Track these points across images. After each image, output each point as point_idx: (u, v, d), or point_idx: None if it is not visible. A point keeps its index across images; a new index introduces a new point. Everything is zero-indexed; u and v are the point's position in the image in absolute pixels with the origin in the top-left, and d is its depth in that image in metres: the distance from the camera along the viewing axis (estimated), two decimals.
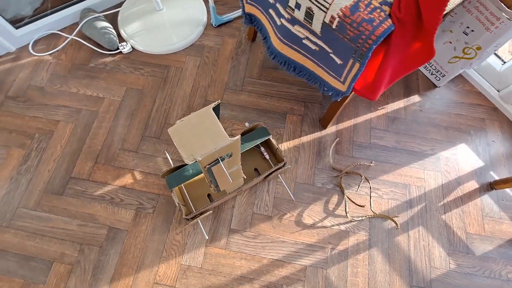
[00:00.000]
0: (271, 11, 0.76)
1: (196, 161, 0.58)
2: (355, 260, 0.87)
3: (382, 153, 1.01)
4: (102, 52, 1.15)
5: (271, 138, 0.89)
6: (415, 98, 1.11)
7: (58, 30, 1.19)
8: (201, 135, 0.54)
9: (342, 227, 0.90)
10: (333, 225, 0.90)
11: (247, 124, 0.93)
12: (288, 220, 0.91)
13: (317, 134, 1.03)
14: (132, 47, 1.15)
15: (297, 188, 0.95)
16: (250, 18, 0.89)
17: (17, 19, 1.13)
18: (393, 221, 0.88)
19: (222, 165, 0.59)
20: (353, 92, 0.75)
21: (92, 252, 0.86)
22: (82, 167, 0.97)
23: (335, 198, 0.94)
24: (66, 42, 1.17)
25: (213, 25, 1.20)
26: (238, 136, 0.55)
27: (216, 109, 0.61)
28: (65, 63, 1.14)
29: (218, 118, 0.62)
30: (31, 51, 1.16)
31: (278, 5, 0.71)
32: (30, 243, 0.87)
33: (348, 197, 0.93)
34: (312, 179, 0.96)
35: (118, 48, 1.14)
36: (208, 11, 1.23)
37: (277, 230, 0.89)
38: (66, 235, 0.88)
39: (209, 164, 0.58)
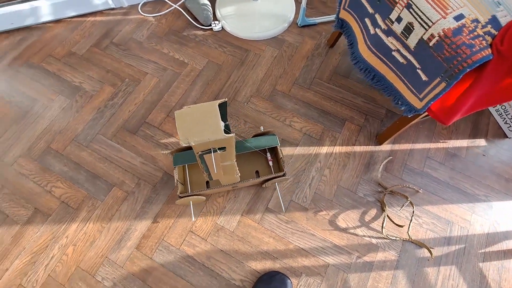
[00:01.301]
0: (367, 20, 0.81)
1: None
2: (378, 275, 0.87)
3: (433, 184, 1.00)
4: (196, 25, 1.29)
5: (278, 148, 0.92)
6: (481, 142, 1.08)
7: None
8: (201, 124, 0.58)
9: (373, 241, 0.91)
10: (364, 236, 0.92)
11: (262, 128, 0.96)
12: (322, 217, 0.94)
13: (371, 148, 1.05)
14: (222, 26, 1.28)
15: (338, 191, 0.98)
16: (341, 23, 0.95)
17: None
18: (429, 250, 0.87)
19: (213, 155, 0.63)
20: (426, 113, 0.77)
21: (146, 188, 0.98)
22: (156, 116, 1.10)
23: (373, 212, 0.95)
24: (169, 9, 1.34)
25: (298, 24, 1.29)
26: (233, 134, 0.58)
27: (223, 106, 0.66)
28: (163, 26, 1.30)
29: (226, 114, 0.70)
30: (139, 10, 1.34)
31: (377, 15, 0.76)
32: (100, 165, 1.01)
33: (388, 215, 0.93)
34: (355, 188, 0.98)
35: (210, 25, 1.28)
36: (297, 11, 1.32)
37: (310, 223, 0.93)
38: (129, 167, 1.01)
39: (202, 152, 0.62)
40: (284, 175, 0.91)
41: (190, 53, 1.23)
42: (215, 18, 1.30)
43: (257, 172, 0.97)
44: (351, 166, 1.02)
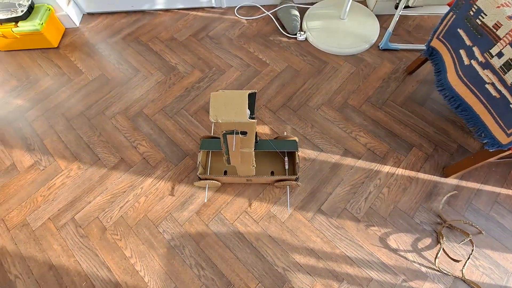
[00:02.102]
0: (462, 51, 0.83)
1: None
2: None
3: (497, 230, 0.94)
4: (282, 32, 1.42)
5: (296, 153, 0.97)
6: None
7: (259, 5, 1.52)
8: (230, 107, 0.65)
9: (423, 269, 0.89)
10: (414, 262, 0.90)
11: (285, 133, 1.01)
12: (373, 232, 0.95)
13: (436, 178, 1.03)
14: (306, 37, 1.38)
15: (394, 212, 0.98)
16: (431, 51, 0.98)
17: None
18: None
19: (234, 137, 0.71)
20: (507, 152, 0.76)
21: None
22: None
23: (427, 240, 0.93)
24: (261, 15, 1.48)
25: (380, 47, 1.33)
26: (254, 120, 0.65)
27: (252, 97, 0.72)
28: (253, 29, 1.44)
29: (253, 105, 0.76)
30: (235, 12, 1.51)
31: (475, 48, 0.78)
32: (179, 135, 1.16)
33: (443, 248, 0.91)
34: (413, 213, 0.97)
35: (295, 34, 1.39)
36: (380, 35, 1.37)
37: (360, 235, 0.95)
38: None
39: (226, 131, 0.69)
40: (296, 179, 0.95)
41: (272, 56, 1.35)
42: (301, 29, 1.41)
43: (272, 172, 1.04)
44: (412, 191, 1.01)
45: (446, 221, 0.95)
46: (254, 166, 0.88)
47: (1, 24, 1.32)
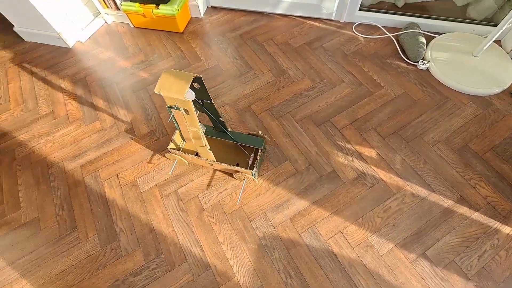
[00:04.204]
0: None
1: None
2: None
3: None
4: (401, 57, 1.36)
5: (260, 150, 1.04)
6: None
7: (381, 25, 1.48)
8: (174, 85, 0.73)
9: None
10: None
11: (260, 132, 1.10)
12: None
13: None
14: (428, 67, 1.30)
15: (511, 280, 0.86)
16: None
17: (363, 6, 1.49)
18: None
19: (174, 111, 0.80)
20: None
21: (313, 174, 1.08)
22: (340, 120, 1.20)
23: None
24: (380, 36, 1.44)
25: None
26: (190, 100, 0.74)
27: (200, 80, 0.80)
28: (370, 48, 1.41)
29: (203, 86, 0.82)
30: (353, 28, 1.50)
31: None
32: (282, 138, 1.17)
33: None
34: None
35: (417, 62, 1.32)
36: None
37: None
38: (304, 151, 1.13)
39: (170, 106, 0.79)
40: (253, 175, 1.02)
41: (388, 79, 1.30)
42: (423, 57, 1.34)
43: (237, 164, 1.08)
44: None
45: None
46: (209, 148, 0.96)
47: (144, 4, 1.50)
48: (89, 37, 1.65)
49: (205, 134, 1.08)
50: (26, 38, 1.67)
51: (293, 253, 0.94)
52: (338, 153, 1.12)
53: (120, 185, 1.12)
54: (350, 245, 0.94)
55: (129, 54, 1.54)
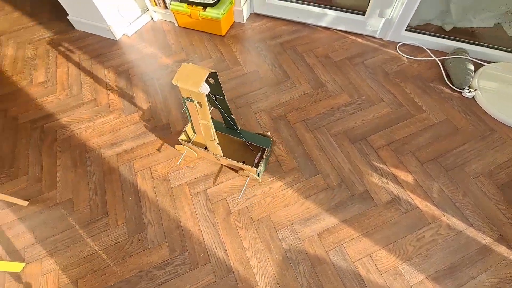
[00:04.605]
0: None
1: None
2: None
3: None
4: (446, 82, 1.32)
5: (266, 150, 1.07)
6: None
7: (426, 47, 1.44)
8: (191, 78, 0.76)
9: None
10: None
11: (268, 133, 1.14)
12: None
13: None
14: (474, 96, 1.26)
15: None
16: None
17: (409, 26, 1.47)
18: None
19: (188, 103, 0.84)
20: None
21: (345, 192, 1.06)
22: (377, 139, 1.17)
23: None
24: (425, 58, 1.41)
25: None
26: (204, 94, 0.77)
27: (215, 76, 0.83)
28: (413, 70, 1.38)
29: (218, 81, 0.85)
30: (397, 48, 1.47)
31: None
32: (315, 151, 1.16)
33: None
34: None
35: (462, 89, 1.27)
36: None
37: None
38: (337, 167, 1.11)
39: (185, 98, 0.84)
40: (258, 173, 1.04)
41: (430, 103, 1.26)
42: (470, 85, 1.29)
43: (244, 162, 1.08)
44: None
45: None
46: (217, 143, 1.00)
47: (192, 5, 1.55)
48: (135, 32, 1.71)
49: (215, 129, 1.10)
50: (77, 27, 1.76)
51: (318, 270, 0.92)
52: (372, 173, 1.09)
53: (152, 177, 1.15)
54: (379, 270, 0.91)
55: (171, 51, 1.59)
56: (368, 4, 1.42)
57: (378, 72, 1.38)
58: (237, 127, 1.10)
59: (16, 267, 0.99)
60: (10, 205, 1.13)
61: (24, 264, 1.00)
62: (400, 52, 1.45)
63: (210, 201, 1.07)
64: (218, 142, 0.99)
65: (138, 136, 1.27)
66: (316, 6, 1.55)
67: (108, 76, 1.51)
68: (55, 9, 1.95)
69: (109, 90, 1.45)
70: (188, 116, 0.95)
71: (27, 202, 1.13)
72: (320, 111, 1.28)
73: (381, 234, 0.97)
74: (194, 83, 0.76)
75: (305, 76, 1.40)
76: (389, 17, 1.40)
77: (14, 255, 1.02)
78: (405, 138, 1.17)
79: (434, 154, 1.13)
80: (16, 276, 0.98)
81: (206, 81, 0.85)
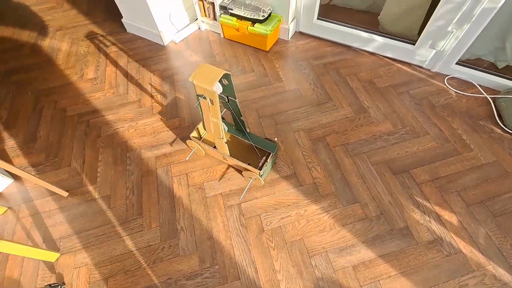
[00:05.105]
0: None
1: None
2: None
3: None
4: (497, 121, 1.25)
5: (272, 154, 1.11)
6: None
7: (477, 83, 1.40)
8: (206, 76, 0.82)
9: None
10: None
11: (276, 139, 1.17)
12: None
13: None
14: None
15: None
16: None
17: (459, 59, 1.43)
18: None
19: (201, 99, 0.90)
20: None
21: (384, 225, 1.02)
22: (420, 174, 1.13)
23: None
24: (475, 94, 1.36)
25: None
26: (216, 92, 0.82)
27: (229, 77, 0.88)
28: (462, 105, 1.33)
29: (231, 83, 0.90)
30: (445, 80, 1.43)
31: None
32: (354, 178, 1.13)
33: None
34: None
35: None
36: None
37: None
38: (376, 197, 1.08)
39: (199, 95, 0.89)
40: (261, 175, 1.08)
41: (478, 142, 1.21)
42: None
43: (249, 164, 1.09)
44: None
45: None
46: (225, 142, 1.05)
47: (241, 20, 1.60)
48: (182, 39, 1.78)
49: (225, 130, 1.17)
50: (128, 29, 1.85)
51: None
52: (414, 209, 1.05)
53: (188, 184, 1.16)
54: None
55: (215, 61, 1.63)
56: (420, 34, 1.40)
57: (424, 104, 1.35)
58: (246, 130, 1.16)
59: (51, 256, 1.01)
60: (51, 193, 1.18)
61: (59, 254, 1.03)
62: (448, 85, 1.41)
63: (243, 215, 1.07)
64: (226, 141, 1.06)
65: (178, 141, 1.30)
66: (364, 30, 1.54)
67: (153, 79, 1.56)
68: (109, 10, 2.07)
69: (154, 93, 1.50)
70: (200, 113, 1.02)
71: (67, 193, 1.18)
72: (361, 137, 1.25)
73: (421, 276, 0.92)
74: (208, 82, 0.81)
75: (347, 100, 1.39)
76: (441, 49, 1.37)
77: (50, 244, 1.06)
78: (450, 176, 1.12)
79: (481, 196, 1.07)
80: (50, 266, 1.01)
81: (221, 81, 0.90)
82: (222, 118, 1.22)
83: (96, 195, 1.16)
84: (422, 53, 1.43)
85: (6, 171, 1.23)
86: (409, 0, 1.44)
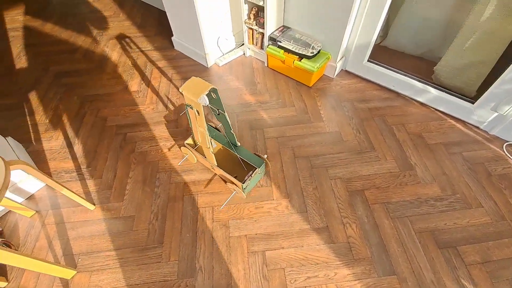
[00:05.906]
0: None
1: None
2: None
3: None
4: None
5: (257, 169, 1.13)
6: None
7: None
8: (195, 89, 0.89)
9: None
10: None
11: (265, 156, 1.22)
12: None
13: None
14: None
15: None
16: None
17: None
18: None
19: (188, 109, 0.98)
20: None
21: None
22: (469, 252, 0.99)
23: None
24: None
25: None
26: (200, 104, 0.89)
27: (216, 92, 0.95)
28: None
29: (218, 97, 0.97)
30: (504, 147, 1.29)
31: None
32: (394, 244, 1.02)
33: None
34: None
35: None
36: None
37: None
38: (417, 272, 0.96)
39: (187, 105, 0.96)
40: (244, 189, 1.11)
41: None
42: None
43: (236, 177, 1.13)
44: None
45: None
46: (212, 151, 1.09)
47: (289, 53, 1.58)
48: (226, 63, 1.79)
49: (216, 140, 1.25)
50: (176, 47, 1.91)
51: None
52: (454, 281, 0.92)
53: (212, 219, 1.11)
54: None
55: (255, 90, 1.62)
56: (479, 91, 1.30)
57: (479, 170, 1.22)
58: (235, 143, 1.21)
59: (68, 274, 0.99)
60: (79, 204, 1.18)
61: (75, 272, 1.01)
62: (507, 153, 1.27)
63: (267, 266, 0.99)
64: (213, 151, 1.10)
65: (208, 170, 1.27)
66: (417, 80, 1.46)
67: None
68: (161, 25, 2.16)
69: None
70: (189, 122, 1.10)
71: (94, 207, 1.17)
72: (404, 197, 1.15)
73: None
74: (195, 94, 0.89)
75: (392, 152, 1.29)
76: (504, 114, 1.25)
77: (69, 258, 1.04)
78: (504, 261, 0.98)
79: None
80: (65, 282, 0.99)
81: (209, 95, 0.99)
82: (217, 129, 1.31)
83: (121, 213, 1.14)
84: (481, 114, 1.32)
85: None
86: (472, 55, 1.35)
